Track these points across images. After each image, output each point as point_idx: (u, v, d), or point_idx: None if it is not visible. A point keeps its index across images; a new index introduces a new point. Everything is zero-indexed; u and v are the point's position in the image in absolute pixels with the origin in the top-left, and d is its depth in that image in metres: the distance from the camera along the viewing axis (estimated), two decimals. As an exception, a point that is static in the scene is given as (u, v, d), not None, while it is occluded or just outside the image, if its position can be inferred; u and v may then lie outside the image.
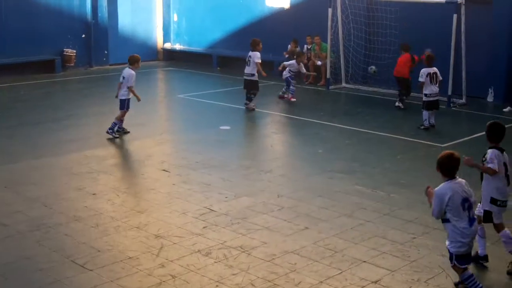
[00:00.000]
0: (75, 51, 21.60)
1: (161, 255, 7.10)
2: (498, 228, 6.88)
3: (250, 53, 15.44)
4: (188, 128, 13.67)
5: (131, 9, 23.71)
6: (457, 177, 6.17)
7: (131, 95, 12.41)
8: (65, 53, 21.39)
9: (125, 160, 11.20)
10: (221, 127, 13.39)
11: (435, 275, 6.67)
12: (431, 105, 13.35)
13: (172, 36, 25.02)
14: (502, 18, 16.05)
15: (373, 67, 16.71)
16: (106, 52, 22.66)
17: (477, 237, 6.61)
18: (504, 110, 15.19)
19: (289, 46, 20.05)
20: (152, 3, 24.52)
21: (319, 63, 18.94)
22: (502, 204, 6.84)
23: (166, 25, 24.90)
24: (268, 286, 6.37)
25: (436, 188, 6.15)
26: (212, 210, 8.53)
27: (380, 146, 12.20)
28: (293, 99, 16.24)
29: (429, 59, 13.45)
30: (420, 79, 13.21)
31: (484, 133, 7.08)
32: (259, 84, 15.55)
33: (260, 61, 15.25)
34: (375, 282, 6.51)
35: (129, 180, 10.13)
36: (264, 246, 7.39)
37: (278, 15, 21.35)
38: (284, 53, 20.17)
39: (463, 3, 15.60)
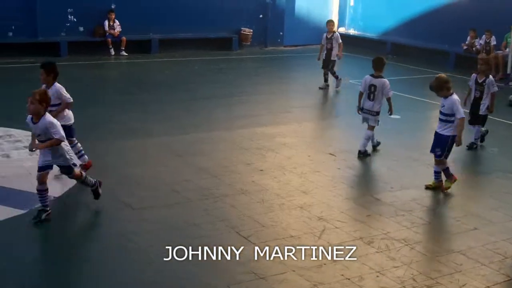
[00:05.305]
0: (251, 30, 22.13)
1: (323, 237, 7.08)
2: None
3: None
4: (356, 113, 13.48)
5: (309, -8, 23.87)
6: None
7: None
8: (242, 32, 21.99)
9: (294, 140, 11.27)
10: (391, 116, 13.10)
11: None
12: None
13: (347, 21, 24.86)
14: None
15: None
16: (281, 33, 23.00)
17: None
18: None
19: (468, 37, 19.19)
20: (330, -13, 24.52)
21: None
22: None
23: (342, 10, 24.78)
24: (430, 284, 6.14)
25: None
26: (377, 198, 8.38)
27: None
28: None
29: None
30: None
31: None
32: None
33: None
34: (549, 294, 6.06)
35: (296, 159, 10.18)
36: (429, 242, 7.14)
37: (456, 5, 20.46)
38: (463, 44, 19.34)
39: None
